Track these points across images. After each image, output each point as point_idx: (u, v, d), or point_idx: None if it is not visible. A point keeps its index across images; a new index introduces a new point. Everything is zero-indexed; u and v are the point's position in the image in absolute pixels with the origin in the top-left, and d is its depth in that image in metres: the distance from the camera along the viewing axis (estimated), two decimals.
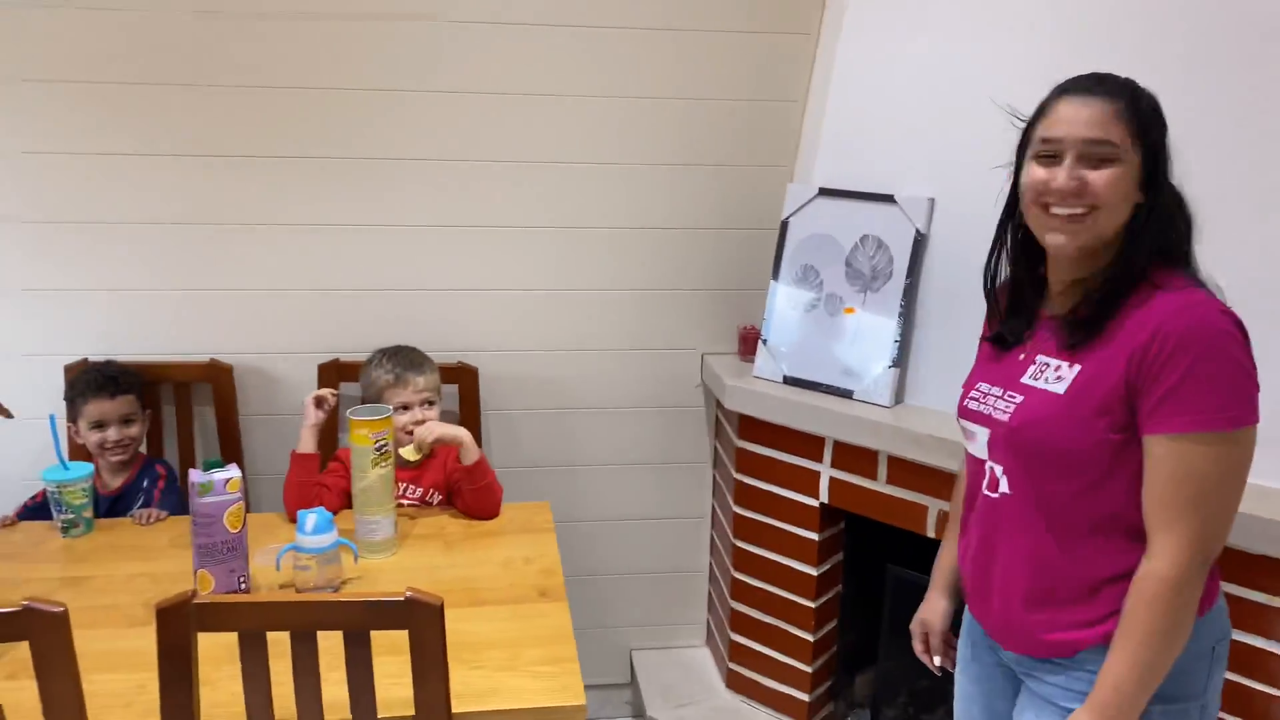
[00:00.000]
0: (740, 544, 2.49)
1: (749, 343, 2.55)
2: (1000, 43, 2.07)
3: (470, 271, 2.49)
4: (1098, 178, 1.27)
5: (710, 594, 2.79)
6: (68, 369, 2.35)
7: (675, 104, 2.47)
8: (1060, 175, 1.29)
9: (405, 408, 2.18)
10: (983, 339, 1.53)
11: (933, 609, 1.66)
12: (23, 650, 1.26)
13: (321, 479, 2.12)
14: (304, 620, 1.34)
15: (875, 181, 2.25)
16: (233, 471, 1.66)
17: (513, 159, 2.45)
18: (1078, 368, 1.31)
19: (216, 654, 1.39)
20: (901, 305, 2.20)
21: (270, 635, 1.32)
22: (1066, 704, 1.35)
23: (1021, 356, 1.42)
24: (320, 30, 2.31)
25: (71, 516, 1.95)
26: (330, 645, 1.32)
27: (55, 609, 1.30)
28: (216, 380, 2.41)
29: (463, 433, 2.06)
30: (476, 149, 2.43)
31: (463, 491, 2.09)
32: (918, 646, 1.69)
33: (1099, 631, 1.31)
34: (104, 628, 1.64)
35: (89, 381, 2.22)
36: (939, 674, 1.69)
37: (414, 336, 2.43)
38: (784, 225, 2.39)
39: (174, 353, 2.42)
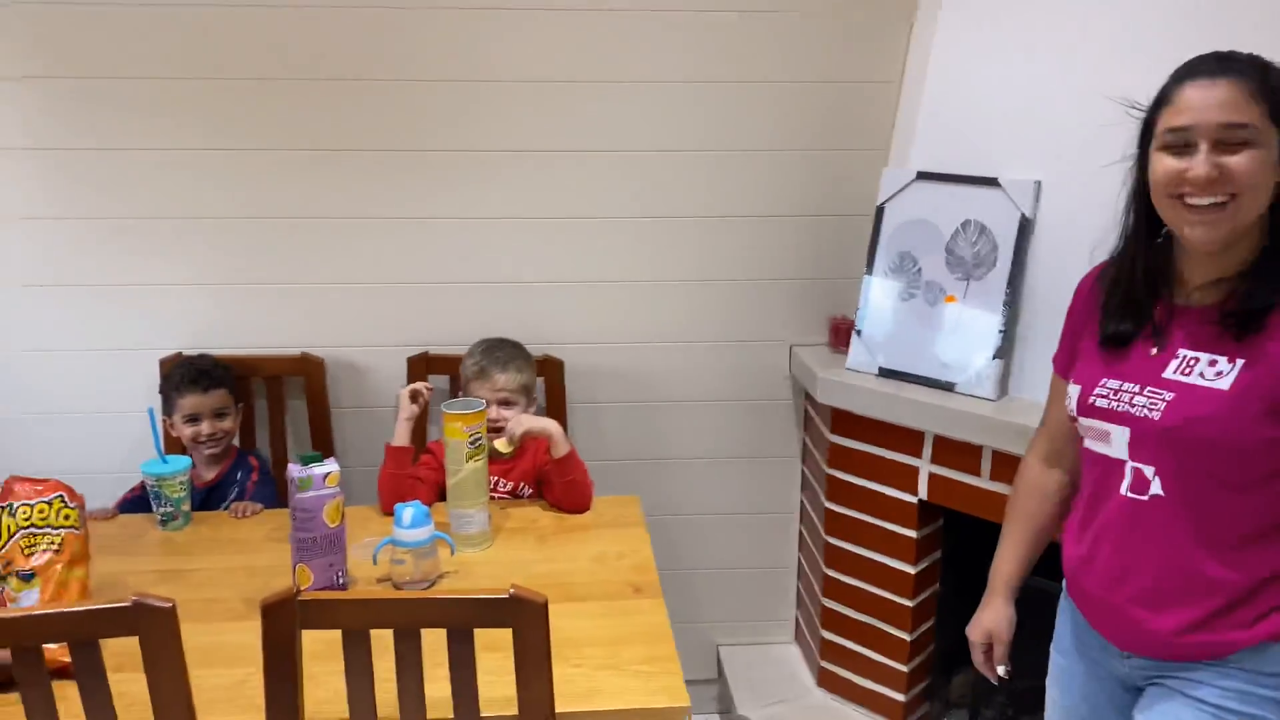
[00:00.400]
0: (833, 540, 2.42)
1: (841, 334, 2.48)
2: (1109, 20, 1.97)
3: (557, 263, 2.46)
4: (1237, 163, 1.20)
5: (799, 590, 2.73)
6: (162, 363, 2.39)
7: (765, 88, 2.41)
8: (1198, 164, 1.22)
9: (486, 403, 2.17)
10: (1094, 339, 1.43)
11: (997, 616, 1.60)
12: (129, 643, 1.26)
13: (415, 472, 2.11)
14: (407, 618, 1.32)
15: (977, 165, 2.16)
16: (331, 466, 1.66)
17: (600, 148, 2.41)
18: (1240, 362, 1.24)
19: (320, 649, 1.37)
20: (1006, 294, 2.11)
21: (374, 631, 1.31)
22: (1221, 703, 1.28)
23: (1154, 351, 1.34)
24: (408, 21, 2.30)
25: (170, 509, 1.97)
26: (432, 642, 1.30)
27: (164, 604, 1.30)
28: (308, 373, 2.43)
29: (552, 426, 2.03)
30: (564, 139, 2.40)
31: (553, 485, 2.06)
32: (978, 657, 1.63)
33: (1259, 631, 1.26)
34: (205, 621, 1.65)
35: (183, 375, 2.24)
36: (997, 683, 1.66)
37: (501, 329, 2.41)
38: (879, 211, 2.31)
39: (266, 346, 2.44)
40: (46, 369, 2.41)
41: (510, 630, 1.32)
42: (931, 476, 2.19)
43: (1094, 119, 1.99)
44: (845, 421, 2.33)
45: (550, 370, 2.44)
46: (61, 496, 1.62)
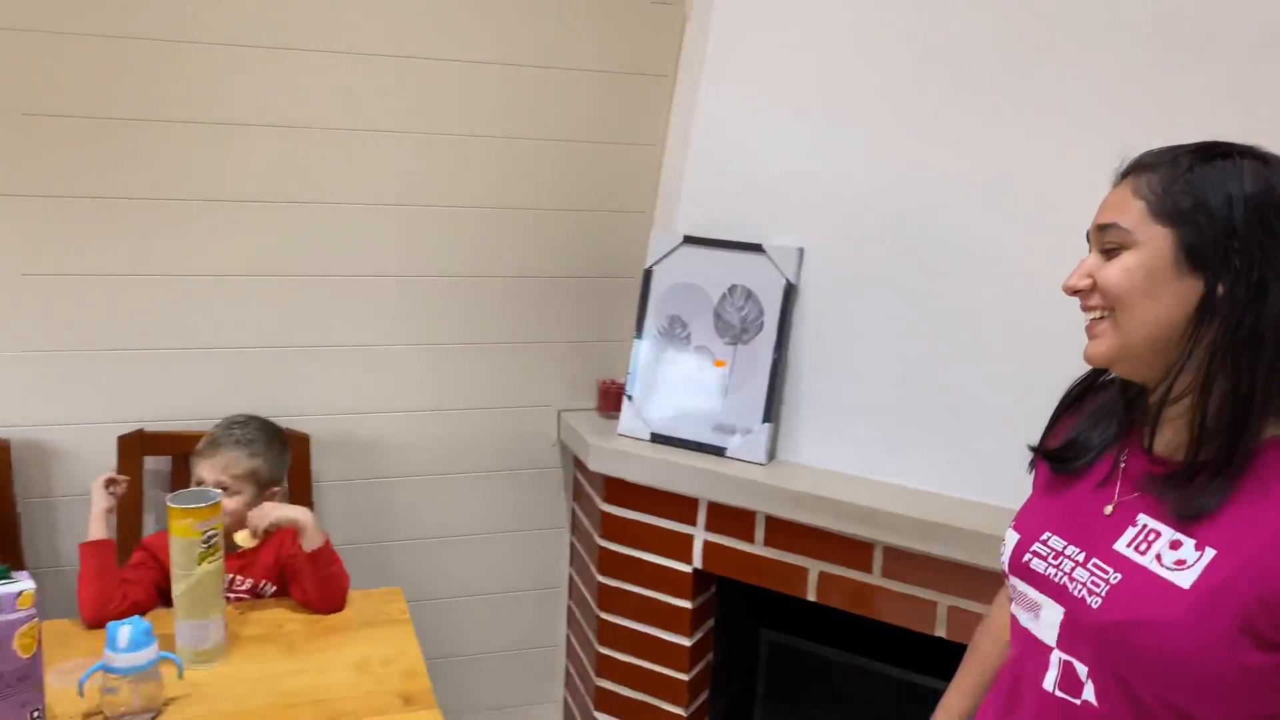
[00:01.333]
0: (605, 616, 2.31)
1: (610, 398, 2.41)
2: (871, 83, 2.04)
3: (298, 326, 2.22)
4: (1105, 269, 1.02)
5: (569, 670, 2.60)
6: None
7: (530, 145, 2.32)
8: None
9: (199, 484, 1.90)
10: (1040, 450, 1.19)
11: None
12: None
13: (123, 573, 1.80)
14: None
15: (743, 230, 2.17)
16: (24, 583, 1.35)
17: (349, 200, 2.21)
18: (1210, 552, 0.94)
19: None
20: (774, 358, 2.12)
21: None
22: None
23: (1109, 509, 1.05)
24: (119, 51, 2.01)
25: None
26: None
27: None
28: None
29: (302, 514, 1.79)
30: (303, 188, 2.18)
31: (303, 581, 1.82)
32: None
33: None
34: None
35: None
36: None
37: (235, 401, 2.14)
38: (647, 274, 2.27)
39: None
40: None
41: None
42: (706, 544, 2.15)
43: (852, 185, 2.07)
44: (619, 490, 2.24)
45: (294, 445, 2.18)
46: None
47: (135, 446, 2.10)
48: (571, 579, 2.55)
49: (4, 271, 2.00)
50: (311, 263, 2.20)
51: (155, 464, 2.14)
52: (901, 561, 1.93)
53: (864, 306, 2.05)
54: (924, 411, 1.99)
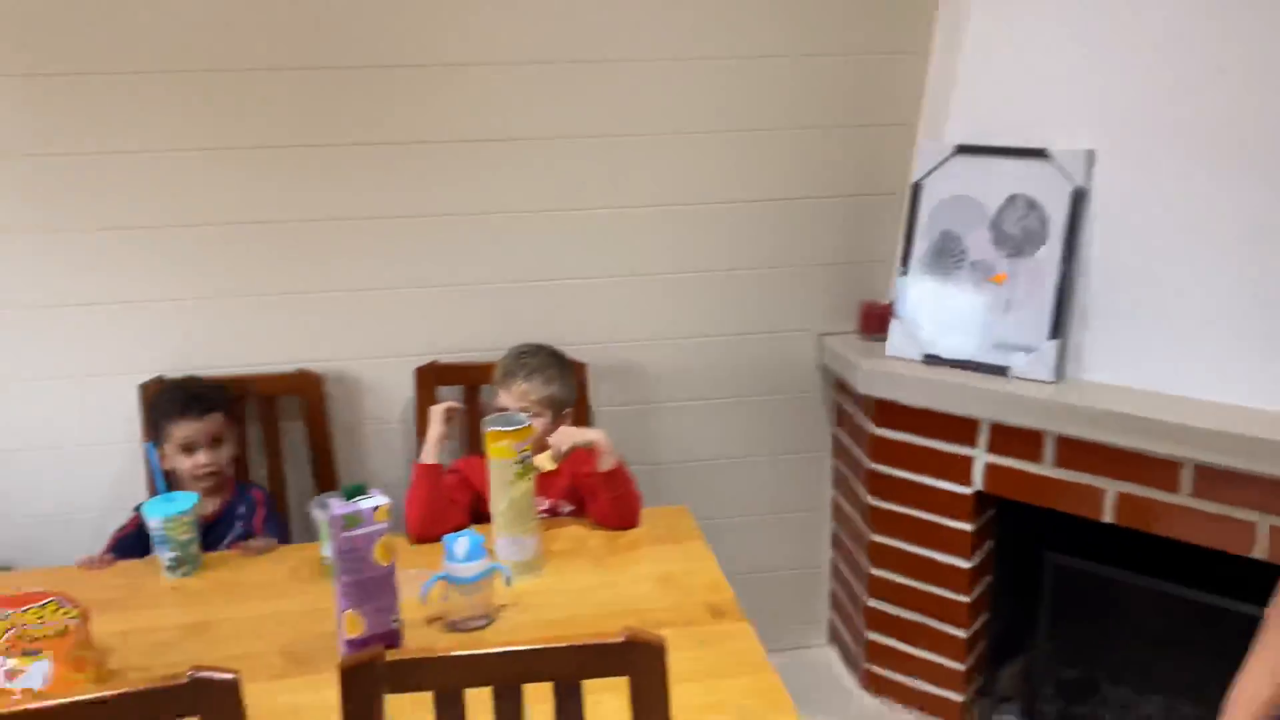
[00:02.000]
0: (878, 538, 2.30)
1: (872, 319, 2.36)
2: None
3: (572, 259, 2.30)
4: None
5: (834, 590, 2.61)
6: (143, 388, 2.15)
7: (784, 63, 2.27)
8: None
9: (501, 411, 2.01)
10: None
11: None
12: None
13: (448, 493, 1.94)
14: (509, 673, 1.16)
15: (1022, 135, 2.05)
16: (380, 499, 1.47)
17: (611, 133, 2.25)
18: None
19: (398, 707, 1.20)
20: (1060, 271, 2.00)
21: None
22: None
23: None
24: (405, 3, 2.10)
25: (178, 554, 1.75)
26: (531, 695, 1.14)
27: (226, 677, 1.12)
28: (305, 391, 2.22)
29: (599, 436, 1.86)
30: (574, 124, 2.23)
31: (599, 500, 1.90)
32: None
33: None
34: (244, 684, 1.45)
35: (173, 400, 2.02)
36: None
37: (516, 331, 2.23)
38: (915, 188, 2.19)
39: (257, 364, 2.22)
40: (10, 399, 2.15)
41: (625, 678, 1.17)
42: (989, 466, 2.09)
43: (1149, 79, 1.91)
44: (890, 413, 2.21)
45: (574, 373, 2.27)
46: (56, 600, 1.46)
47: (430, 377, 2.24)
48: (835, 502, 2.55)
49: (315, 216, 2.17)
50: (582, 197, 2.26)
51: (448, 393, 2.28)
52: (1215, 480, 1.81)
53: (1165, 212, 1.90)
54: (1237, 323, 1.84)
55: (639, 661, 1.16)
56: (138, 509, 1.89)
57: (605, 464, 1.86)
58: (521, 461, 1.69)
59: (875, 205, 2.36)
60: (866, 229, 2.38)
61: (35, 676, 1.33)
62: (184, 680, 1.09)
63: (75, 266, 2.11)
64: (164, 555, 1.75)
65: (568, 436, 1.85)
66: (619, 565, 1.79)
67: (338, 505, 1.45)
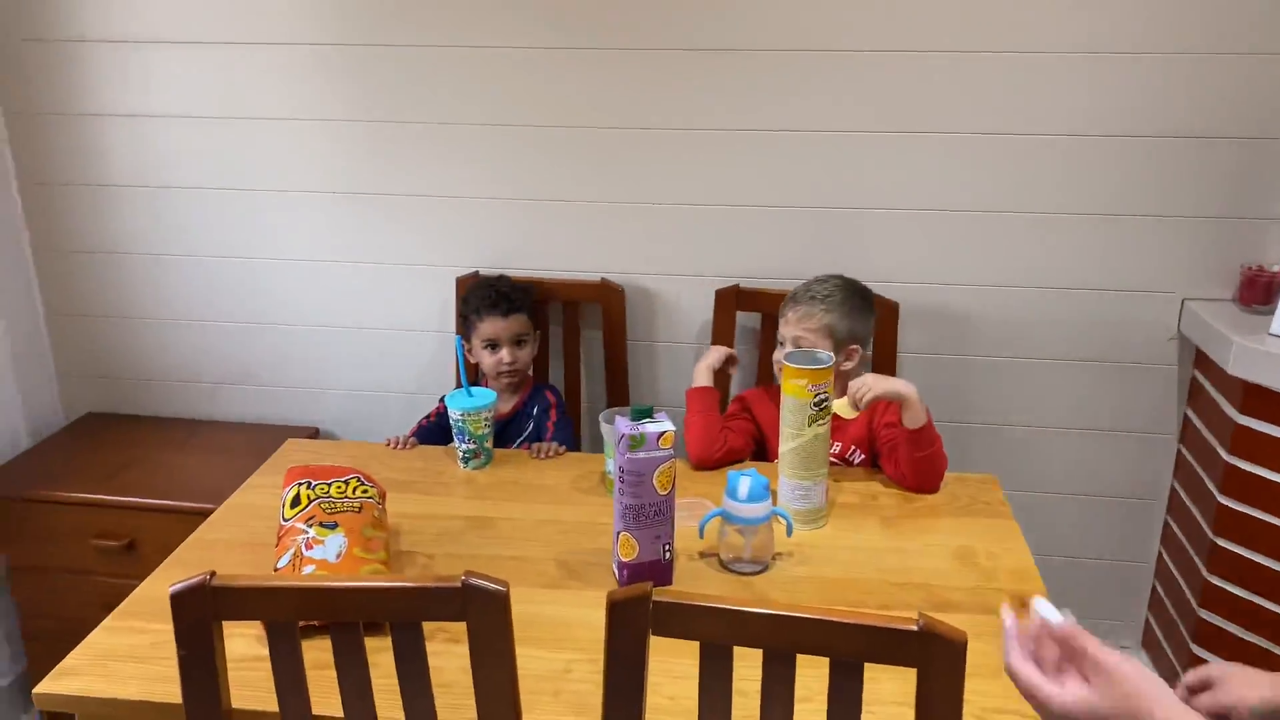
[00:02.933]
0: (1221, 542, 1.96)
1: (1256, 288, 1.98)
2: None
3: (895, 188, 2.09)
4: None
5: (1156, 589, 2.29)
6: (459, 281, 2.23)
7: None
8: None
9: (781, 342, 1.88)
10: None
11: None
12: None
13: (723, 421, 1.86)
14: (786, 640, 1.05)
15: None
16: (666, 424, 1.40)
17: (952, 48, 1.99)
18: None
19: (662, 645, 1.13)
20: None
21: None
22: None
23: None
24: None
25: (473, 446, 1.80)
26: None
27: (497, 588, 1.10)
28: (607, 302, 2.20)
29: (907, 389, 1.69)
30: (904, 37, 1.99)
31: (899, 457, 1.73)
32: None
33: None
34: (517, 585, 1.43)
35: (483, 298, 2.07)
36: None
37: (825, 263, 2.08)
38: None
39: (564, 270, 2.23)
40: (337, 280, 2.31)
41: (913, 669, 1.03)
42: None
43: None
44: (1262, 400, 1.85)
45: (882, 312, 2.08)
46: (357, 477, 1.53)
47: (731, 301, 2.15)
48: (1174, 492, 2.20)
49: (635, 124, 2.11)
50: (913, 119, 2.04)
51: (748, 319, 2.18)
52: None
53: None
54: None
55: (934, 656, 1.02)
56: (442, 399, 1.96)
57: (913, 420, 1.68)
58: (818, 404, 1.56)
59: (1266, 150, 1.95)
60: (1259, 179, 1.98)
61: (330, 549, 1.39)
62: (456, 584, 1.08)
63: (406, 159, 2.19)
64: (460, 446, 1.81)
65: (873, 386, 1.68)
66: (911, 531, 1.63)
67: (624, 424, 1.40)
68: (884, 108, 2.04)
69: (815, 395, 1.55)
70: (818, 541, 1.58)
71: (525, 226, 2.22)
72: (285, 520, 1.45)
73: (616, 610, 1.08)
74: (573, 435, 2.10)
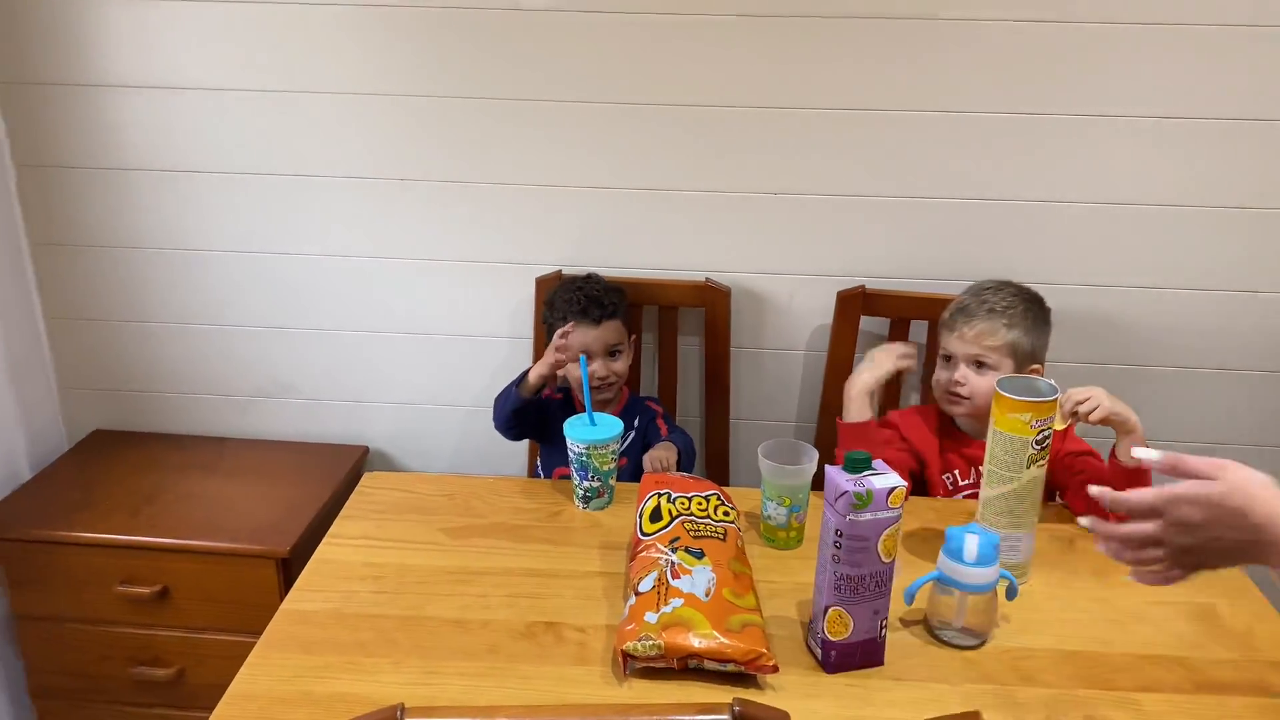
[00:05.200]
0: None
1: None
2: None
3: (1038, 178, 1.85)
4: None
5: None
6: (539, 281, 1.95)
7: None
8: None
9: (948, 359, 1.65)
10: None
11: None
12: None
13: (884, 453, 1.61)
14: None
15: None
16: (894, 478, 1.15)
17: (1096, 18, 1.74)
18: None
19: None
20: None
21: None
22: None
23: None
24: None
25: (597, 484, 1.53)
26: None
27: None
28: (710, 304, 1.93)
29: (1133, 417, 1.45)
30: (1048, 6, 1.74)
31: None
32: None
33: None
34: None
35: (571, 302, 1.79)
36: None
37: (959, 262, 1.85)
38: None
39: (660, 269, 1.95)
40: (392, 278, 2.00)
41: None
42: None
43: None
44: None
45: None
46: (718, 495, 1.42)
47: (855, 304, 1.90)
48: None
49: (741, 102, 1.83)
50: (1063, 100, 1.79)
51: (874, 325, 1.93)
52: None
53: None
54: None
55: None
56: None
57: (1132, 455, 1.44)
58: (1040, 443, 1.32)
59: None
60: None
61: (699, 583, 1.22)
62: (724, 716, 0.83)
63: (482, 140, 1.89)
64: (581, 484, 1.54)
65: (1103, 401, 1.43)
66: (1125, 583, 1.36)
67: (842, 479, 1.15)
68: (1034, 88, 1.79)
69: (1039, 432, 1.31)
70: (1030, 602, 1.34)
71: (616, 219, 1.93)
72: (644, 535, 1.33)
73: None
74: (693, 445, 1.84)
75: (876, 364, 1.62)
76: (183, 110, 1.90)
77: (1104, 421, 1.44)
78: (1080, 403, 1.43)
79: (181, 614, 1.84)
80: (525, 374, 1.72)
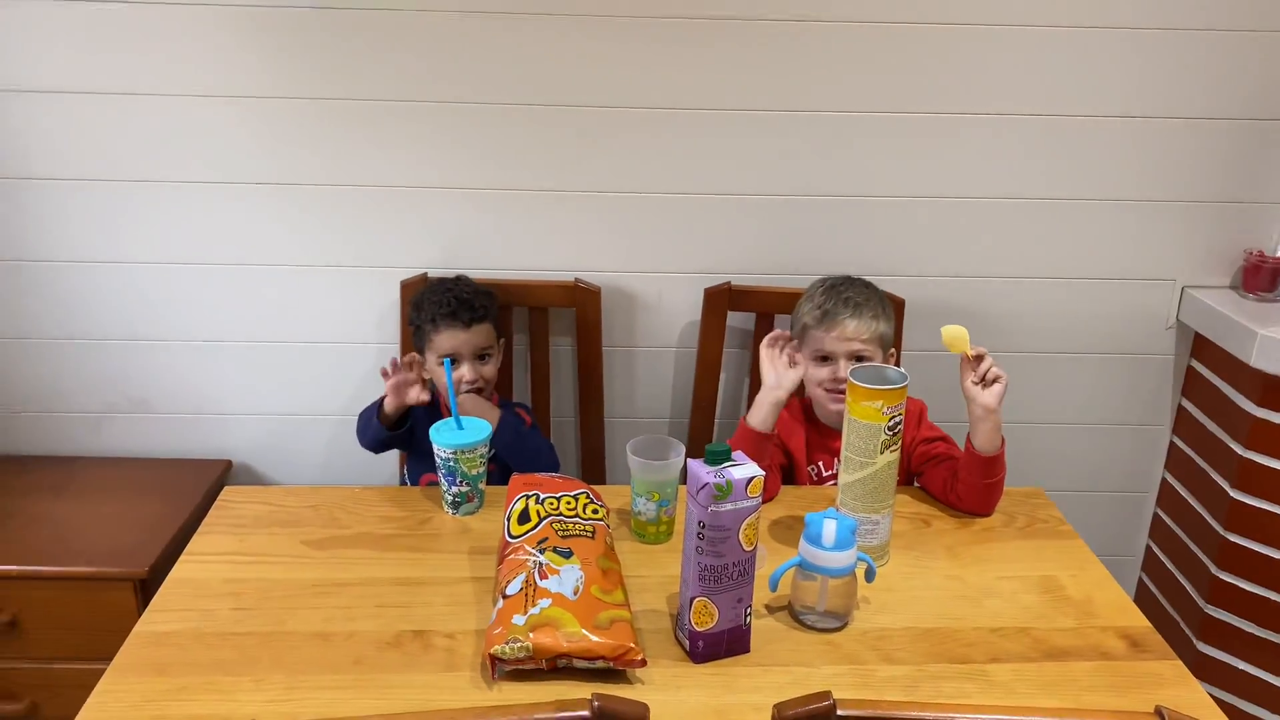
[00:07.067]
0: (1236, 538, 1.92)
1: (1261, 275, 1.93)
2: None
3: (889, 175, 1.92)
4: None
5: (1144, 583, 2.25)
6: (404, 285, 1.92)
7: None
8: None
9: (824, 359, 1.68)
10: None
11: None
12: None
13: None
14: None
15: None
16: (752, 468, 1.18)
17: (935, 20, 1.82)
18: None
19: None
20: None
21: None
22: None
23: None
24: None
25: (466, 489, 1.52)
26: None
27: (634, 713, 0.85)
28: (580, 305, 1.94)
29: (999, 411, 1.51)
30: (893, 10, 1.81)
31: (961, 481, 1.55)
32: None
33: None
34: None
35: (439, 305, 1.77)
36: None
37: (822, 257, 1.91)
38: None
39: (528, 269, 1.95)
40: (250, 286, 1.94)
41: None
42: None
43: None
44: None
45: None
46: (586, 493, 1.42)
47: (722, 300, 1.93)
48: (1165, 484, 2.16)
49: (611, 101, 1.85)
50: (914, 100, 1.87)
51: (741, 320, 1.97)
52: None
53: None
54: None
55: None
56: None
57: (991, 443, 1.51)
58: (892, 429, 1.37)
59: (1268, 132, 1.90)
60: (1259, 162, 1.92)
61: (567, 582, 1.22)
62: (583, 712, 0.83)
63: (338, 143, 1.85)
64: (450, 489, 1.52)
65: (1001, 375, 1.50)
66: (976, 559, 1.46)
67: (703, 471, 1.17)
68: (879, 88, 1.86)
69: (890, 418, 1.36)
70: (887, 583, 1.39)
71: (482, 221, 1.92)
72: (512, 537, 1.32)
73: None
74: (554, 453, 1.84)
75: (780, 375, 1.59)
76: (21, 113, 1.80)
77: (982, 386, 1.50)
78: (992, 365, 1.50)
79: (32, 644, 1.75)
80: (381, 403, 1.70)
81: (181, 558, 1.40)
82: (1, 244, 1.89)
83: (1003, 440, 1.51)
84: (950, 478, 1.57)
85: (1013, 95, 1.88)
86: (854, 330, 1.66)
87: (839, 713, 0.85)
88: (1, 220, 1.87)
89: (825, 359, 1.68)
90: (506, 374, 1.97)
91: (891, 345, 1.73)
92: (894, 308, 1.89)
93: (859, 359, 1.66)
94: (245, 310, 1.96)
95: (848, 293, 1.70)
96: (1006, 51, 1.84)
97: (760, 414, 1.56)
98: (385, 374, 1.64)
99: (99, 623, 1.71)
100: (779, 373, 1.57)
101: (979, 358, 1.51)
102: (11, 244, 1.89)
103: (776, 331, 1.61)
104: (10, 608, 1.72)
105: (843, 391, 1.63)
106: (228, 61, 1.79)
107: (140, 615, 1.29)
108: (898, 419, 1.37)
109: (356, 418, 1.77)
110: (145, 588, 1.70)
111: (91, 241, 1.89)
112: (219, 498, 1.56)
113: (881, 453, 1.38)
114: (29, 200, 1.86)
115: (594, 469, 2.04)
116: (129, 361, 1.98)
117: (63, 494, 1.92)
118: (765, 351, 1.59)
